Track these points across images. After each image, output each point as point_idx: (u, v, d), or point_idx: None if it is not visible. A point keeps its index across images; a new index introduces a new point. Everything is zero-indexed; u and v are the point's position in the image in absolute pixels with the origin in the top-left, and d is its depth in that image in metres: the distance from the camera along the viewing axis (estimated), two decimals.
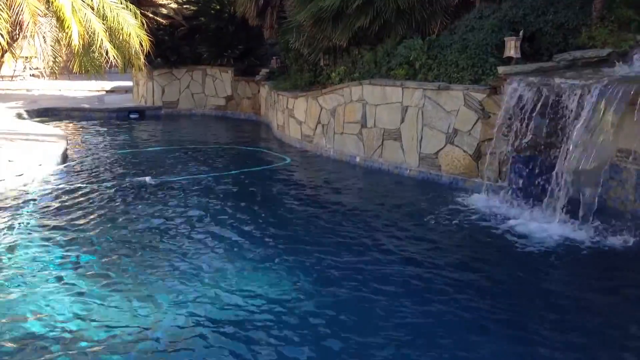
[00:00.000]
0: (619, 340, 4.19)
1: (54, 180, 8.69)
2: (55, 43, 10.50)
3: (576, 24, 8.00)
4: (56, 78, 24.12)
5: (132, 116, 16.35)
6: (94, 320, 4.43)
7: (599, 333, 4.29)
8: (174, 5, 16.67)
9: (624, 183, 6.05)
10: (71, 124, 14.96)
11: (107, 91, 21.27)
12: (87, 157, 10.59)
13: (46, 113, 16.27)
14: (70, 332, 4.27)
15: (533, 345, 4.11)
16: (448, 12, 9.72)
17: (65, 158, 10.13)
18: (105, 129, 14.20)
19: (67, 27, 9.23)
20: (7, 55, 11.88)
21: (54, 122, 14.90)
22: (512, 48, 7.93)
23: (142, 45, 11.42)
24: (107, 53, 10.43)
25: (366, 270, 5.39)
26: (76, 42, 9.27)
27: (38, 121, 14.74)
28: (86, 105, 17.28)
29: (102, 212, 7.12)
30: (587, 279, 5.35)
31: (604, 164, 6.14)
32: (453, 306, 4.67)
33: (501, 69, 7.64)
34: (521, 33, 8.05)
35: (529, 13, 8.32)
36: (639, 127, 5.83)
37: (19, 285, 5.03)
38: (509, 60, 7.97)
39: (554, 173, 6.54)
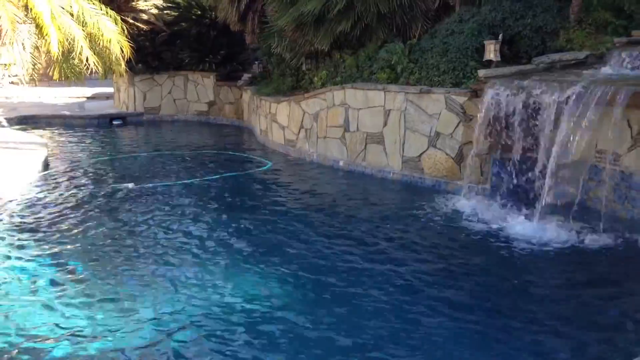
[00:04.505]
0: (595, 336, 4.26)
1: (35, 188, 8.59)
2: (34, 50, 10.39)
3: (554, 27, 8.12)
4: (36, 85, 23.76)
5: (115, 122, 16.23)
6: (73, 330, 4.41)
7: (582, 332, 4.35)
8: (154, 11, 16.58)
9: (603, 183, 6.14)
10: (51, 132, 14.80)
11: (87, 98, 21.06)
12: (68, 164, 10.49)
13: (26, 120, 16.08)
14: (51, 343, 4.24)
15: (513, 350, 4.16)
16: (428, 16, 9.78)
17: (46, 166, 10.03)
18: (86, 136, 14.08)
19: (46, 34, 9.16)
20: None
21: (34, 130, 14.74)
22: (491, 51, 8.02)
23: (122, 52, 11.35)
24: (87, 59, 10.35)
25: (345, 272, 5.42)
26: (55, 49, 9.19)
27: (18, 129, 14.56)
28: (67, 112, 17.11)
29: (84, 219, 7.06)
30: (568, 280, 5.41)
31: (583, 165, 6.23)
32: (434, 310, 4.71)
33: (481, 72, 7.72)
34: (500, 36, 8.14)
35: (508, 17, 8.42)
36: (616, 128, 5.92)
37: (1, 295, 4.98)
38: (489, 64, 8.06)
39: (534, 174, 6.62)
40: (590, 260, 5.65)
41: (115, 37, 11.01)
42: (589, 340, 4.22)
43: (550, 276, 5.50)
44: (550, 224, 6.29)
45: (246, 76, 15.17)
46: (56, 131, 14.88)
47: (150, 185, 8.75)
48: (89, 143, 13.12)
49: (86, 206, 7.64)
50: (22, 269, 5.58)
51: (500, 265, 5.66)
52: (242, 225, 6.85)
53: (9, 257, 5.88)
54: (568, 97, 6.15)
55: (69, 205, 7.69)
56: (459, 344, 4.21)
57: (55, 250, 6.05)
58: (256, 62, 14.85)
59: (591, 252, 5.78)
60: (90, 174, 9.66)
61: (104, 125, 16.03)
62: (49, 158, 10.59)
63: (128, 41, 11.67)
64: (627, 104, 5.72)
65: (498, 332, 4.38)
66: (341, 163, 9.86)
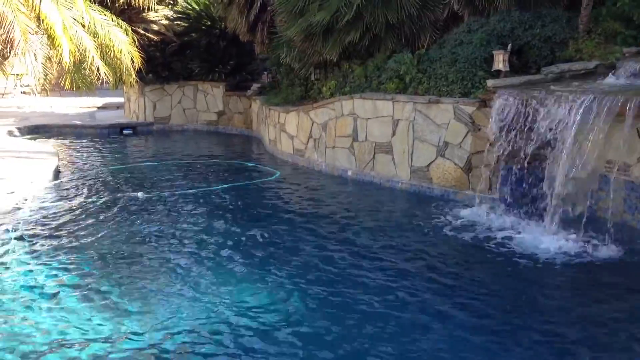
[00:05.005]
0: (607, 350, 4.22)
1: (46, 197, 8.66)
2: (46, 60, 10.49)
3: (563, 37, 8.11)
4: (47, 95, 24.11)
5: (125, 132, 16.37)
6: (85, 336, 4.43)
7: (590, 345, 4.32)
8: (165, 22, 16.72)
9: (613, 194, 6.10)
10: (62, 141, 14.93)
11: (98, 107, 21.24)
12: (78, 173, 10.56)
13: (37, 130, 16.24)
14: (64, 348, 4.26)
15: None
16: (437, 26, 9.82)
17: (57, 175, 10.10)
18: (97, 145, 14.19)
19: (58, 44, 9.26)
20: None
21: (46, 139, 14.87)
22: (500, 61, 8.01)
23: (133, 62, 11.46)
24: (98, 70, 10.45)
25: (354, 283, 5.40)
26: (67, 59, 9.29)
27: (29, 138, 14.71)
28: (77, 122, 17.25)
29: (94, 228, 7.10)
30: (577, 291, 5.37)
31: (593, 176, 6.20)
32: (444, 322, 4.69)
33: (490, 82, 7.72)
34: (509, 46, 8.13)
35: (517, 27, 8.42)
36: (626, 138, 5.89)
37: (11, 303, 5.01)
38: (497, 74, 8.05)
39: (544, 185, 6.60)
40: (600, 272, 5.60)
41: (126, 48, 11.12)
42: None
43: (559, 288, 5.46)
44: (560, 234, 6.26)
45: (255, 86, 15.26)
46: (67, 141, 15.00)
47: (160, 194, 8.79)
48: (100, 152, 13.21)
49: (96, 215, 7.68)
50: (33, 277, 5.61)
51: (508, 276, 5.62)
52: (249, 235, 6.85)
53: (20, 265, 5.92)
54: (577, 107, 6.14)
55: (80, 214, 7.74)
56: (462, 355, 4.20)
57: (65, 258, 6.08)
58: (265, 72, 14.92)
59: (601, 263, 5.74)
60: (101, 183, 9.72)
61: (114, 134, 16.16)
62: (59, 167, 10.67)
63: (138, 51, 11.78)
64: (636, 114, 5.71)
65: (502, 347, 4.36)
66: (350, 173, 9.87)
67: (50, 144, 13.84)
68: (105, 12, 11.27)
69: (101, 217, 7.58)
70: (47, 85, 11.53)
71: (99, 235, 6.86)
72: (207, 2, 16.41)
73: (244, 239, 6.73)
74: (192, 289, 5.29)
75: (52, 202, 8.34)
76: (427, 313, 4.81)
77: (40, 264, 5.95)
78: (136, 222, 7.38)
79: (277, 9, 11.15)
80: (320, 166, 10.59)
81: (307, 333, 4.51)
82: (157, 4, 16.16)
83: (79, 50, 9.85)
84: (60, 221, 7.41)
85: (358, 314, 4.81)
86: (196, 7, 16.65)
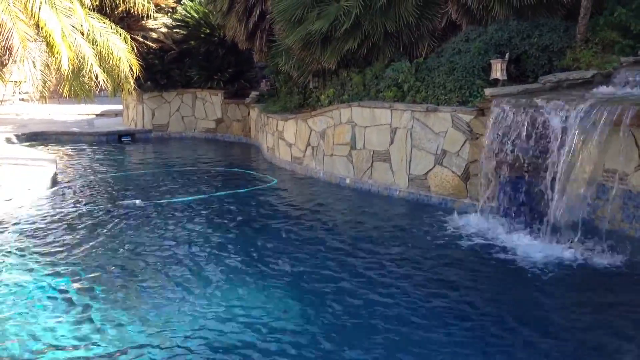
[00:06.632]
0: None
1: (43, 204, 8.64)
2: (44, 67, 10.50)
3: (561, 46, 8.14)
4: (46, 102, 24.12)
5: (124, 139, 16.40)
6: (78, 345, 4.41)
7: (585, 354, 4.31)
8: (164, 30, 16.77)
9: (611, 202, 6.11)
10: (61, 148, 14.92)
11: (96, 115, 21.26)
12: (76, 180, 10.56)
13: (36, 137, 16.24)
14: (56, 356, 4.24)
15: None
16: (435, 35, 9.85)
17: (54, 182, 10.09)
18: (95, 153, 14.18)
19: (57, 52, 9.27)
20: None
21: (44, 146, 14.86)
22: (498, 70, 8.04)
23: (132, 69, 11.48)
24: (97, 77, 10.46)
25: (351, 292, 5.39)
26: (66, 66, 9.30)
27: (27, 145, 14.70)
28: (76, 129, 17.26)
29: (91, 236, 7.09)
30: (574, 299, 5.36)
31: (590, 184, 6.21)
32: (437, 326, 4.68)
33: (488, 91, 7.73)
34: (507, 55, 8.16)
35: (515, 36, 8.45)
36: (623, 147, 5.90)
37: (5, 310, 4.99)
38: (495, 82, 8.08)
39: (541, 193, 6.60)
40: (597, 281, 5.59)
41: (124, 55, 11.14)
42: None
43: (555, 297, 5.44)
44: (557, 243, 6.26)
45: (254, 94, 15.28)
46: (65, 148, 14.99)
47: (157, 201, 8.78)
48: (98, 159, 13.20)
49: (93, 222, 7.67)
50: (29, 286, 5.59)
51: (505, 285, 5.61)
52: (246, 242, 6.85)
53: (16, 273, 5.89)
54: (575, 116, 6.15)
55: (77, 221, 7.73)
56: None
57: (62, 267, 6.07)
58: (264, 80, 14.95)
59: (598, 272, 5.73)
60: (99, 190, 9.71)
61: (112, 142, 16.17)
62: (57, 174, 10.66)
63: (137, 59, 11.81)
64: (634, 123, 5.72)
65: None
66: (347, 181, 9.87)
67: (48, 151, 13.82)
68: (104, 19, 11.30)
69: (98, 225, 7.56)
70: (46, 93, 11.52)
71: (95, 243, 6.84)
72: (206, 11, 16.47)
73: (239, 247, 6.72)
74: (190, 293, 5.28)
75: (49, 210, 8.32)
76: (425, 318, 4.80)
77: (34, 272, 5.92)
78: (133, 229, 7.36)
79: (275, 17, 11.18)
80: (318, 174, 10.59)
81: (305, 337, 4.50)
82: (156, 12, 16.19)
83: (77, 57, 9.86)
84: (57, 229, 7.38)
85: (354, 324, 4.81)
86: (195, 15, 16.70)
